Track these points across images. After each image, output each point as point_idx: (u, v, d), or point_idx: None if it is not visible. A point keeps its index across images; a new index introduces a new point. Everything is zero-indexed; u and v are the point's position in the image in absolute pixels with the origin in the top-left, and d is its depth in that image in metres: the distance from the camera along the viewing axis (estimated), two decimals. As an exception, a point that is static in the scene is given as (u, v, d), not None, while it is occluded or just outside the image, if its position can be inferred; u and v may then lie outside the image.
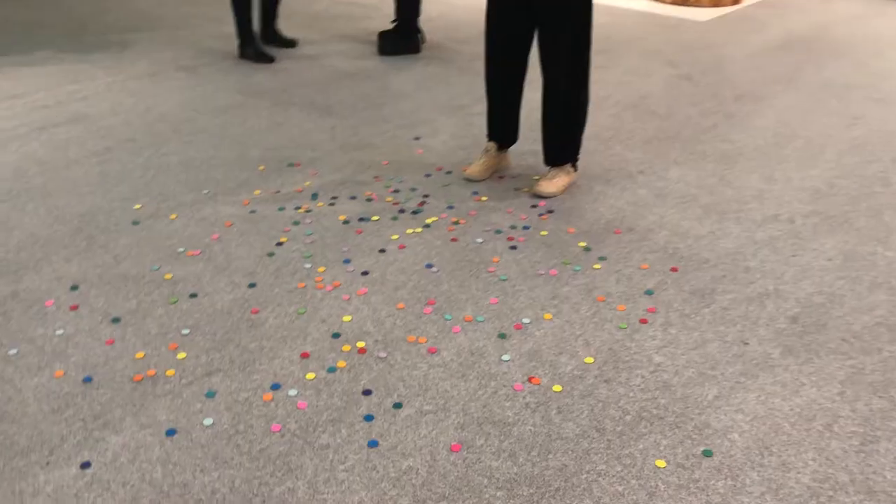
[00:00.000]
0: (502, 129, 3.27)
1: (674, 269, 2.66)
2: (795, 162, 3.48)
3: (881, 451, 1.88)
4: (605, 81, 4.44)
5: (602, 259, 2.72)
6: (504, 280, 2.60)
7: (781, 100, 4.18)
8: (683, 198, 3.16)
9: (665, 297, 2.51)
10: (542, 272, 2.64)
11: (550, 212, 3.05)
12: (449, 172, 3.37)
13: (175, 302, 2.48)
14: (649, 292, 2.53)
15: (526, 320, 2.39)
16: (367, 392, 2.07)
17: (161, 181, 3.28)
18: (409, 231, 2.90)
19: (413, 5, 4.92)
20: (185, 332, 2.33)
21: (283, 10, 5.77)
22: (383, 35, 4.97)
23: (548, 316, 2.41)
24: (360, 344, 2.27)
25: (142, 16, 5.79)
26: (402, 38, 4.89)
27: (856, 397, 2.06)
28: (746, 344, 2.28)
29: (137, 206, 3.07)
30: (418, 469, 1.82)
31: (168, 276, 2.61)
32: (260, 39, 5.04)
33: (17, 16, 5.78)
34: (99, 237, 2.86)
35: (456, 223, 2.96)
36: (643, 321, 2.38)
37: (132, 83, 4.41)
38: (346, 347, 2.25)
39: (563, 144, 3.14)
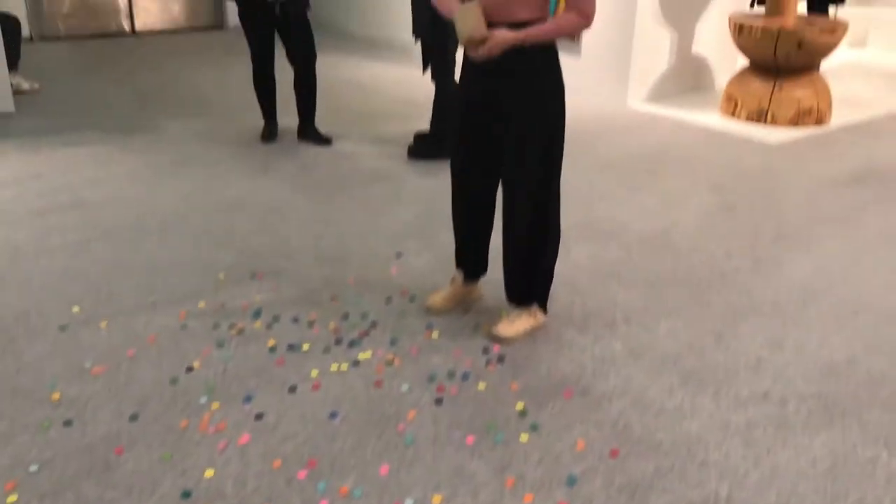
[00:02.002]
0: (470, 258, 2.96)
1: (613, 453, 2.24)
2: (817, 326, 2.97)
3: None
4: (632, 205, 4.06)
5: (534, 429, 2.33)
6: (409, 444, 2.26)
7: (827, 245, 3.66)
8: (664, 359, 2.73)
9: (586, 491, 2.09)
10: (457, 438, 2.29)
11: (501, 360, 2.69)
12: (413, 299, 3.08)
13: (47, 428, 2.29)
14: (571, 481, 2.12)
15: (409, 502, 2.04)
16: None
17: (115, 282, 3.16)
18: (334, 367, 2.62)
19: (448, 110, 4.73)
20: (34, 468, 2.12)
21: (335, 105, 5.74)
22: (417, 138, 4.80)
23: (437, 499, 2.05)
24: (200, 511, 1.98)
25: (196, 99, 5.90)
26: (434, 143, 4.70)
27: None
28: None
29: (76, 309, 2.95)
30: None
31: (56, 396, 2.44)
32: (297, 136, 5.02)
33: (89, 89, 6.03)
34: (19, 341, 2.74)
35: (390, 363, 2.66)
36: (541, 523, 1.98)
37: (149, 172, 4.42)
38: (182, 513, 1.97)
39: (526, 283, 2.80)
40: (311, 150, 4.85)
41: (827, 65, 7.07)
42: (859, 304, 3.13)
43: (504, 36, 2.45)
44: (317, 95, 4.99)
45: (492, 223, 2.89)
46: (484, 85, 2.60)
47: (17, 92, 5.71)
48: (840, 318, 3.02)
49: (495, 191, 2.80)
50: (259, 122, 5.09)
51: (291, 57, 4.86)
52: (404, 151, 4.79)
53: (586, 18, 2.51)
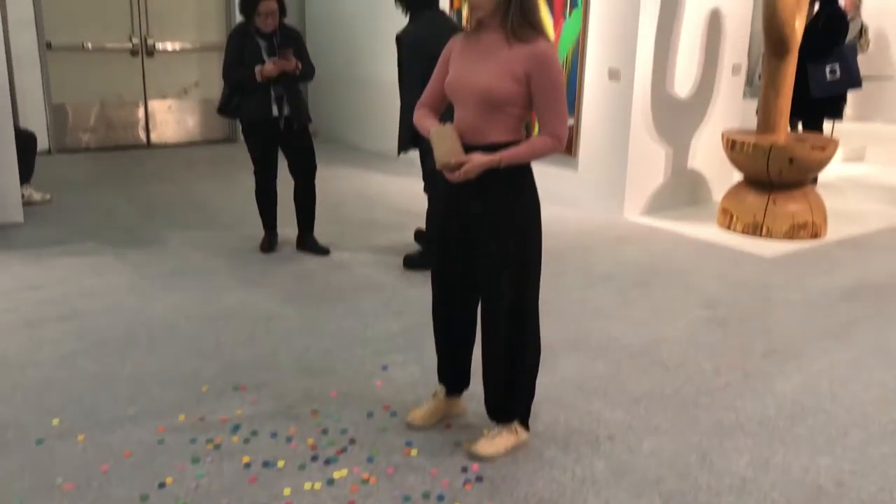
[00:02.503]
0: (450, 371, 2.95)
1: (587, 581, 2.16)
2: (805, 444, 2.90)
3: None
4: (622, 320, 4.05)
5: (507, 553, 2.26)
6: (375, 568, 2.19)
7: (819, 361, 3.61)
8: (644, 479, 2.66)
9: None
10: (426, 563, 2.22)
11: (480, 479, 2.63)
12: (395, 414, 3.05)
13: (9, 546, 2.25)
14: None
15: None
16: None
17: (98, 394, 3.16)
18: (307, 486, 2.57)
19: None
20: (-11, 589, 2.07)
21: (336, 215, 5.85)
22: (417, 234, 4.89)
23: None
24: None
25: (202, 210, 6.04)
26: (428, 252, 4.77)
27: None
28: None
29: (55, 422, 2.94)
30: None
31: (22, 512, 2.40)
32: (296, 246, 5.11)
33: (99, 200, 6.18)
34: (-7, 454, 2.72)
35: (365, 482, 2.61)
36: None
37: (145, 282, 4.48)
38: None
39: (505, 399, 2.77)
40: (308, 260, 4.92)
41: (824, 178, 7.18)
42: (850, 423, 3.07)
43: (480, 160, 2.52)
44: (316, 206, 5.10)
45: (473, 336, 2.89)
46: (459, 203, 2.66)
47: (27, 203, 5.87)
48: (830, 437, 2.96)
49: (475, 304, 2.82)
50: (260, 232, 5.19)
51: (293, 169, 5.00)
52: (401, 261, 4.85)
53: (559, 141, 2.59)
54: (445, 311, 2.85)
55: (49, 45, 7.88)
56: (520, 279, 2.64)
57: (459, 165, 2.53)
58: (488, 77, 2.53)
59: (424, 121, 2.72)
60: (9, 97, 5.37)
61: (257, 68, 4.64)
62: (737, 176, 6.23)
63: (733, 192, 5.90)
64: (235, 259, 4.92)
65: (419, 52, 4.22)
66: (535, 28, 2.57)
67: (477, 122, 2.58)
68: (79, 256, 4.90)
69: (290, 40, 4.77)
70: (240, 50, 4.74)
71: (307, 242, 5.11)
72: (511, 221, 2.61)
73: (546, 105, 2.56)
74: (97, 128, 8.40)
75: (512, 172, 2.57)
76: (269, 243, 5.11)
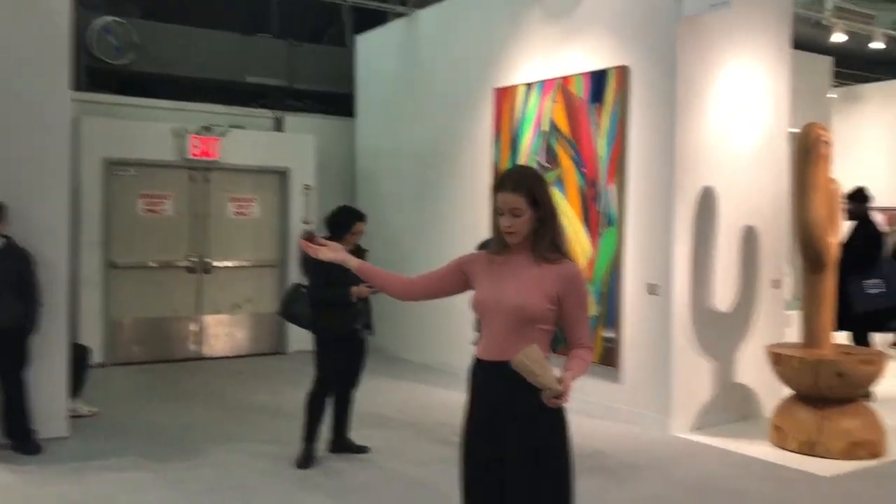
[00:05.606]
0: None
1: None
2: None
3: None
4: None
5: None
6: None
7: None
8: None
9: None
10: None
11: None
12: None
13: None
14: None
15: None
16: None
17: None
18: None
19: None
20: None
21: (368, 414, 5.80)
22: None
23: None
24: None
25: (247, 423, 6.03)
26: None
27: None
28: None
29: None
30: None
31: None
32: (329, 447, 5.18)
33: (145, 413, 6.23)
34: None
35: None
36: None
37: (179, 499, 4.41)
38: None
39: None
40: (351, 461, 4.82)
41: (883, 391, 6.92)
42: None
43: (572, 383, 2.55)
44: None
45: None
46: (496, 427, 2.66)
47: (75, 416, 5.96)
48: None
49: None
50: (294, 450, 5.14)
51: (349, 378, 5.17)
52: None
53: (593, 351, 2.67)
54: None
55: (114, 265, 8.36)
56: (557, 495, 2.58)
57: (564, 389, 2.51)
58: (520, 295, 2.62)
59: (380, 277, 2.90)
60: (65, 315, 5.63)
61: (354, 289, 4.81)
62: (786, 391, 6.08)
63: (784, 408, 5.72)
64: (267, 476, 4.85)
65: None
66: (563, 252, 2.69)
67: (506, 337, 2.64)
68: (118, 472, 4.89)
69: (363, 253, 5.01)
70: (326, 268, 4.99)
71: (341, 443, 5.22)
72: (550, 441, 2.61)
73: (578, 320, 2.69)
74: (148, 340, 8.66)
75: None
76: (309, 456, 5.03)
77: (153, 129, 8.51)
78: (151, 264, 8.61)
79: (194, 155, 8.57)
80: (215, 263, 8.91)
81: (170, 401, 6.84)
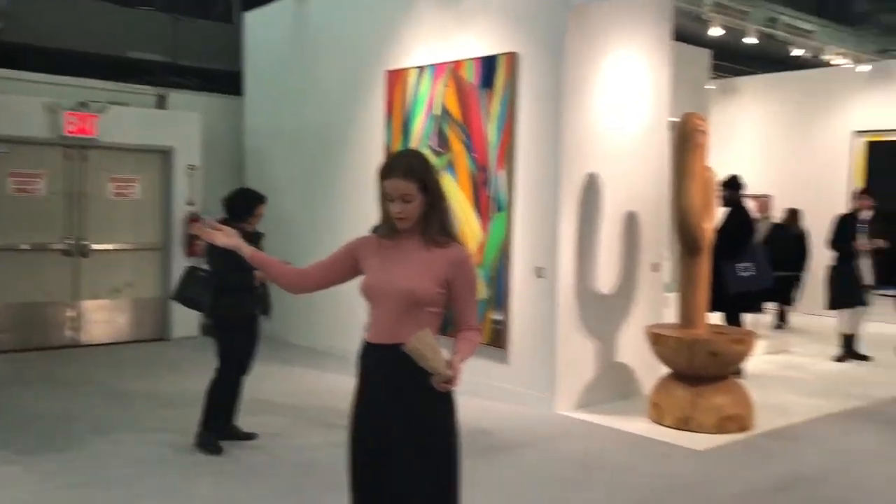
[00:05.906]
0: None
1: None
2: None
3: None
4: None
5: None
6: None
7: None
8: None
9: None
10: None
11: None
12: None
13: None
14: None
15: None
16: None
17: None
18: None
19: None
20: None
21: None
22: None
23: None
24: None
25: (129, 413, 5.82)
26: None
27: None
28: None
29: None
30: None
31: None
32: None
33: (18, 403, 5.90)
34: None
35: None
36: None
37: (49, 496, 4.22)
38: None
39: None
40: (241, 447, 4.73)
41: (753, 368, 7.35)
42: None
43: (461, 367, 2.57)
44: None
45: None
46: (380, 409, 2.66)
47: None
48: None
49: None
50: (178, 439, 4.99)
51: (241, 364, 5.07)
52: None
53: (482, 333, 2.71)
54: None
55: (-19, 247, 7.87)
56: (444, 477, 2.63)
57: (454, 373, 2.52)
58: (410, 279, 2.63)
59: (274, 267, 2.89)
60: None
61: (258, 273, 4.63)
62: (664, 369, 6.36)
63: (661, 386, 5.99)
64: (147, 467, 4.70)
65: None
66: (452, 236, 2.72)
67: (396, 321, 2.65)
68: (-16, 467, 4.62)
69: (259, 237, 4.97)
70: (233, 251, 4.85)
71: (229, 430, 5.07)
72: (438, 423, 2.64)
73: (467, 303, 2.73)
74: (17, 328, 8.20)
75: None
76: (214, 443, 4.92)
77: (24, 103, 8.02)
78: (23, 247, 8.14)
79: (70, 132, 8.12)
80: (94, 246, 8.51)
81: (44, 390, 6.51)
